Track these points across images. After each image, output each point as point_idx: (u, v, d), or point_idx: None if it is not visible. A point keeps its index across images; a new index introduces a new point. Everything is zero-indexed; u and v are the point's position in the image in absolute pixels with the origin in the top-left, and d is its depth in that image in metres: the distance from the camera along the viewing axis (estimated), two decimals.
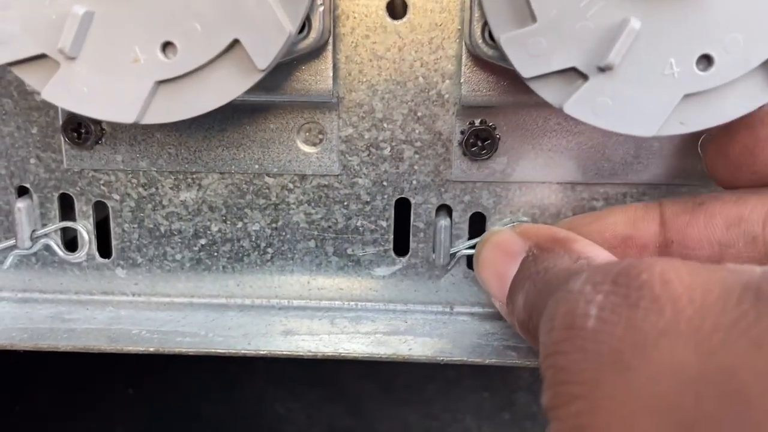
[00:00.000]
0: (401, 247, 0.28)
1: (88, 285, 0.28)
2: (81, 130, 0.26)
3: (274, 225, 0.28)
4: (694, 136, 0.25)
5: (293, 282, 0.28)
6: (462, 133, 0.26)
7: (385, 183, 0.27)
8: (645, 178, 0.26)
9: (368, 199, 0.27)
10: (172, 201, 0.27)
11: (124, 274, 0.28)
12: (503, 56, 0.21)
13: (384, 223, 0.27)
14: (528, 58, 0.20)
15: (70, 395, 0.46)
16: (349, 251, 0.28)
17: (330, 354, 0.25)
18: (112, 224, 0.28)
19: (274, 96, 0.25)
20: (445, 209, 0.27)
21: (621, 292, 0.16)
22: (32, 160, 0.27)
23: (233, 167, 0.27)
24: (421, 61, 0.25)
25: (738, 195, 0.22)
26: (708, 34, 0.19)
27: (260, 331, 0.26)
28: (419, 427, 0.48)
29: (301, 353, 0.25)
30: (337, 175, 0.27)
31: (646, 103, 0.20)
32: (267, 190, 0.27)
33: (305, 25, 0.22)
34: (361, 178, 0.27)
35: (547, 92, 0.21)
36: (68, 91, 0.20)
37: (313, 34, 0.22)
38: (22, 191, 0.27)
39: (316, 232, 0.28)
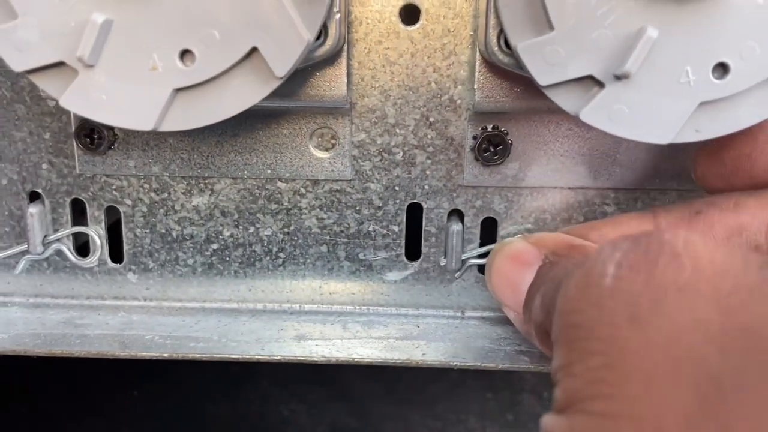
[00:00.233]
0: (413, 251, 0.28)
1: (100, 290, 0.28)
2: (94, 135, 0.26)
3: (286, 230, 0.28)
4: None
5: (305, 287, 0.28)
6: (474, 138, 0.26)
7: (397, 188, 0.27)
8: (656, 184, 0.26)
9: (380, 204, 0.27)
10: (184, 206, 0.27)
11: (136, 279, 0.28)
12: (519, 64, 0.21)
13: (396, 228, 0.27)
14: (545, 66, 0.20)
15: (75, 396, 0.46)
16: (361, 256, 0.28)
17: (344, 359, 0.25)
18: (124, 229, 0.28)
19: (288, 102, 0.25)
20: (456, 214, 0.27)
21: (641, 250, 0.16)
22: (44, 166, 0.27)
23: (246, 172, 0.27)
24: (433, 66, 0.25)
25: (735, 201, 0.21)
26: (724, 42, 0.20)
27: (273, 336, 0.26)
28: (422, 428, 0.49)
29: (315, 359, 0.25)
30: (350, 180, 0.27)
31: (662, 110, 0.20)
32: (279, 195, 0.27)
33: (322, 33, 0.22)
34: (373, 183, 0.27)
35: (563, 100, 0.21)
36: (86, 99, 0.20)
37: (330, 41, 0.22)
38: (34, 196, 0.27)
39: (328, 237, 0.28)
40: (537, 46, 0.20)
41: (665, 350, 0.14)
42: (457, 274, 0.28)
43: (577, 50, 0.20)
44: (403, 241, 0.28)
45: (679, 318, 0.14)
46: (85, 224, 0.28)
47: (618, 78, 0.20)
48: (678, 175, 0.26)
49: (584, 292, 0.16)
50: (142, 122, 0.20)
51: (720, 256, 0.15)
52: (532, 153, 0.26)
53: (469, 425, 0.49)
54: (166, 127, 0.21)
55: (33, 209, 0.27)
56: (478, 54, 0.24)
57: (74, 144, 0.26)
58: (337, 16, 0.22)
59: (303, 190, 0.27)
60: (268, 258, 0.28)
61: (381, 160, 0.27)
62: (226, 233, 0.28)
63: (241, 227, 0.28)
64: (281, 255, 0.28)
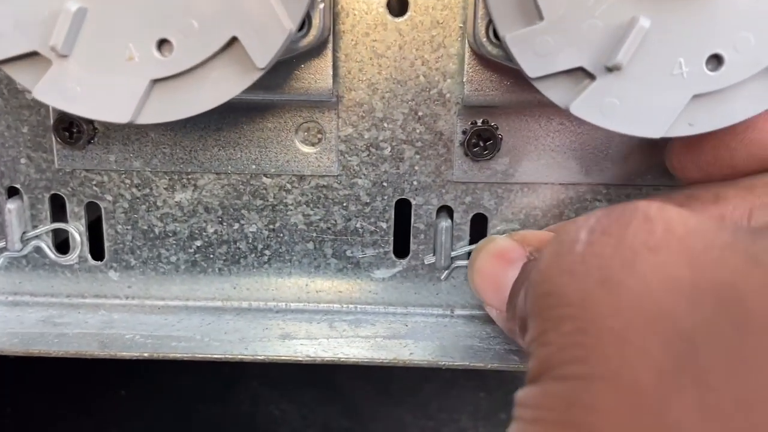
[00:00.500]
0: (401, 248, 0.27)
1: (80, 288, 0.28)
2: (73, 129, 0.25)
3: (271, 226, 0.27)
4: None
5: (291, 284, 0.28)
6: (464, 133, 0.25)
7: (385, 184, 0.26)
8: (648, 180, 0.26)
9: (368, 200, 0.27)
10: (166, 202, 0.27)
11: (117, 276, 0.28)
12: (508, 55, 0.20)
13: (384, 225, 0.27)
14: (534, 57, 0.20)
15: (62, 396, 0.45)
16: (348, 253, 0.27)
17: (329, 359, 0.24)
18: (104, 226, 0.27)
19: (272, 95, 0.24)
20: (446, 210, 0.27)
21: (614, 216, 0.15)
22: (23, 160, 0.26)
23: (230, 167, 0.26)
24: (422, 59, 0.25)
25: (715, 192, 0.21)
26: (718, 33, 0.19)
27: (257, 336, 0.26)
28: (415, 428, 0.48)
29: (299, 358, 0.24)
30: (337, 176, 0.26)
31: (654, 103, 0.20)
32: (264, 191, 0.27)
33: (305, 23, 0.21)
34: (360, 178, 0.26)
35: (553, 92, 0.20)
36: (60, 90, 0.19)
37: (314, 32, 0.22)
38: (13, 192, 0.27)
39: (314, 234, 0.27)
40: (526, 36, 0.19)
41: (637, 309, 0.14)
42: (443, 276, 0.27)
43: (568, 41, 0.19)
44: (392, 238, 0.27)
45: (650, 277, 0.14)
46: (64, 220, 0.27)
47: (609, 70, 0.19)
48: (670, 172, 0.26)
49: (556, 260, 0.16)
50: (119, 114, 0.20)
51: (693, 220, 0.15)
52: (522, 148, 0.26)
53: (462, 424, 0.49)
54: (143, 120, 0.20)
55: (11, 205, 0.26)
56: (467, 46, 0.24)
57: (53, 138, 0.26)
58: (321, 5, 0.22)
59: (289, 186, 0.26)
60: (253, 255, 0.27)
61: (368, 155, 0.26)
62: (210, 230, 0.27)
63: (225, 224, 0.27)
64: (266, 252, 0.27)
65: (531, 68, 0.20)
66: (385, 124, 0.25)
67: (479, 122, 0.25)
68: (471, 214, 0.27)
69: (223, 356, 0.25)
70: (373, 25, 0.24)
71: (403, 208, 0.27)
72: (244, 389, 0.48)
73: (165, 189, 0.27)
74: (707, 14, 0.19)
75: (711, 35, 0.19)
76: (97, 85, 0.20)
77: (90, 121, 0.25)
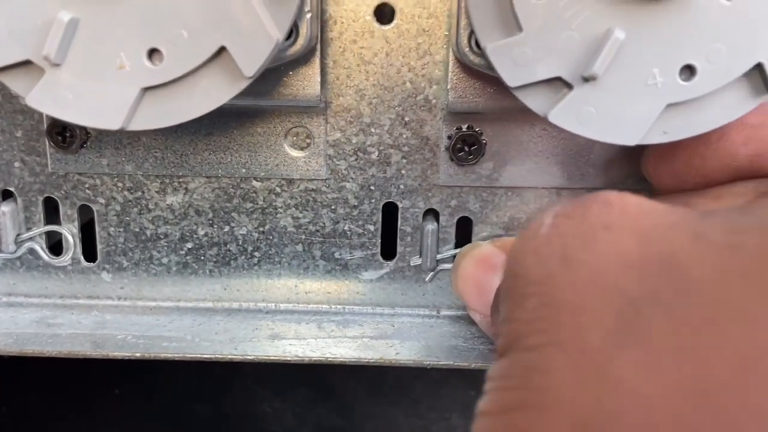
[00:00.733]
0: (388, 251, 0.28)
1: (73, 289, 0.28)
2: (66, 133, 0.26)
3: (261, 229, 0.28)
4: None
5: (280, 286, 0.28)
6: (449, 138, 0.26)
7: (372, 187, 0.27)
8: (629, 184, 0.27)
9: (356, 204, 0.27)
10: (158, 205, 0.27)
11: (110, 278, 0.28)
12: (489, 65, 0.21)
13: (371, 227, 0.27)
14: (514, 67, 0.20)
15: (56, 395, 0.46)
16: (336, 255, 0.28)
17: (317, 359, 0.25)
18: (97, 228, 0.28)
19: (261, 101, 0.25)
20: (432, 213, 0.27)
21: (579, 202, 0.17)
22: (17, 164, 0.27)
23: (220, 171, 0.27)
24: (408, 66, 0.25)
25: (684, 200, 0.22)
26: (691, 44, 0.20)
27: (247, 336, 0.26)
28: (406, 426, 0.49)
29: (288, 358, 0.25)
30: (325, 180, 0.27)
31: (629, 112, 0.20)
32: (254, 194, 0.27)
33: (293, 32, 0.22)
34: (348, 182, 0.27)
35: (532, 101, 0.21)
36: (53, 98, 0.20)
37: (301, 41, 0.22)
38: (7, 195, 0.27)
39: (303, 236, 0.28)
40: (506, 47, 0.20)
41: (592, 283, 0.15)
42: (428, 279, 0.28)
43: (546, 52, 0.20)
44: (379, 241, 0.28)
45: (605, 252, 0.15)
46: (58, 223, 0.27)
47: (586, 80, 0.20)
48: None
49: (524, 243, 0.17)
50: (110, 121, 0.20)
51: (648, 204, 0.16)
52: (506, 153, 0.26)
53: (453, 423, 0.49)
54: (134, 127, 0.21)
55: (5, 208, 0.27)
56: (451, 54, 0.24)
57: (46, 142, 0.26)
58: (309, 15, 0.22)
59: (278, 189, 0.27)
60: (243, 257, 0.28)
61: (356, 160, 0.27)
62: (201, 232, 0.28)
63: (215, 226, 0.28)
64: (256, 254, 0.28)
65: (511, 78, 0.20)
66: (373, 129, 0.26)
67: (464, 128, 0.26)
68: (456, 217, 0.27)
69: (213, 356, 0.25)
70: (361, 33, 0.25)
71: (390, 211, 0.27)
72: (237, 388, 0.48)
73: (156, 192, 0.27)
74: (680, 26, 0.20)
75: (684, 46, 0.20)
76: (89, 93, 0.20)
77: (82, 126, 0.26)
